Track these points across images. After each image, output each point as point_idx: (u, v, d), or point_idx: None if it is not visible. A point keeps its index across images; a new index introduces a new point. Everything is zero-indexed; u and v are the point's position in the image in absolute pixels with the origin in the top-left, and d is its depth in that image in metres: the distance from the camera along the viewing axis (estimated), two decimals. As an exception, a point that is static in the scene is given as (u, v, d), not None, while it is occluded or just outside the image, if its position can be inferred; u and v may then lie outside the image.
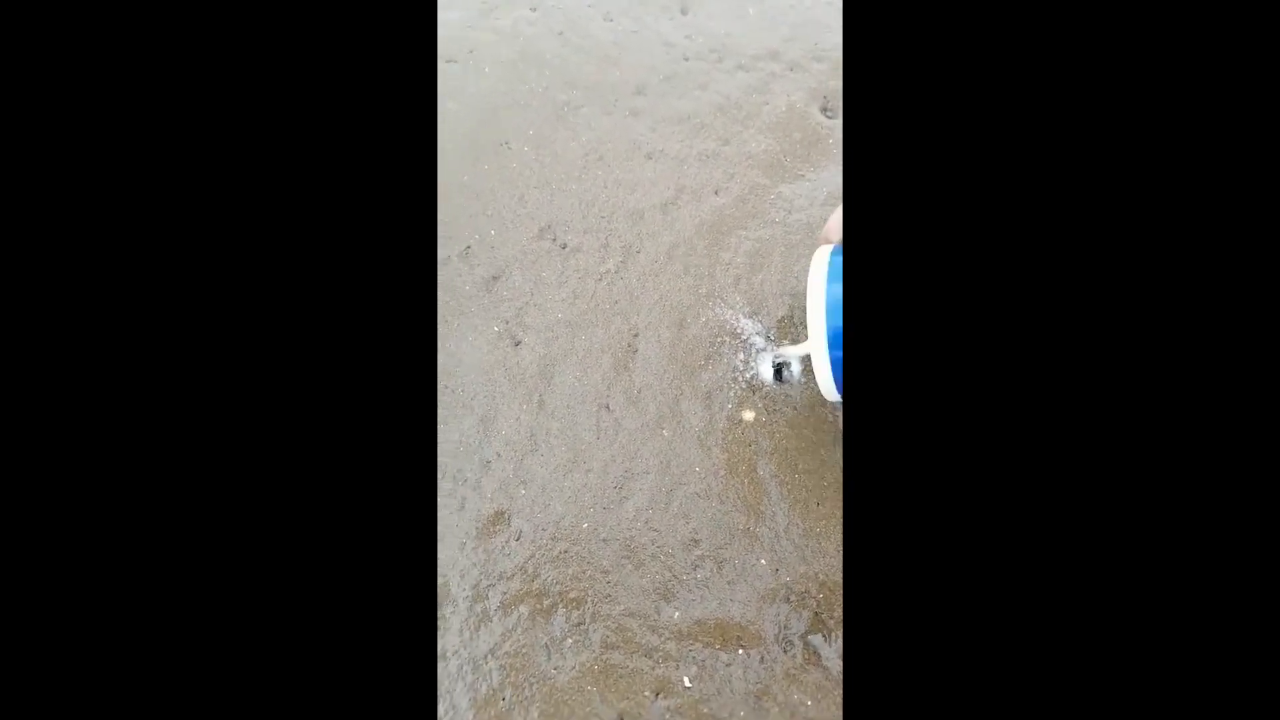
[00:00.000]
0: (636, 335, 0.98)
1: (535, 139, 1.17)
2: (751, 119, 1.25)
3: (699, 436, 0.92)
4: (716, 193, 1.14)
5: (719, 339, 0.99)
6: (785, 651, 0.81)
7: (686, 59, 1.32)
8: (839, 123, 1.28)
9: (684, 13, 1.40)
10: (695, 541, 0.86)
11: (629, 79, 1.23)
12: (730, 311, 1.02)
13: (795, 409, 0.95)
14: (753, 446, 0.90)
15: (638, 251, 1.04)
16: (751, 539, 0.87)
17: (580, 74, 1.24)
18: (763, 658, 0.81)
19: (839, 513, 0.92)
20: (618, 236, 1.06)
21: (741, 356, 0.98)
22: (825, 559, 0.84)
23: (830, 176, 1.21)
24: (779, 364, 0.93)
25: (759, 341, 0.98)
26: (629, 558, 0.85)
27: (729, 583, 0.84)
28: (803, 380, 0.96)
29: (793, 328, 1.00)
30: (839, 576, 0.86)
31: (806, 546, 0.86)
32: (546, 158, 1.15)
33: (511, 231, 1.08)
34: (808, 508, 0.87)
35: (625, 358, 0.96)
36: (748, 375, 0.97)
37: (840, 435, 0.92)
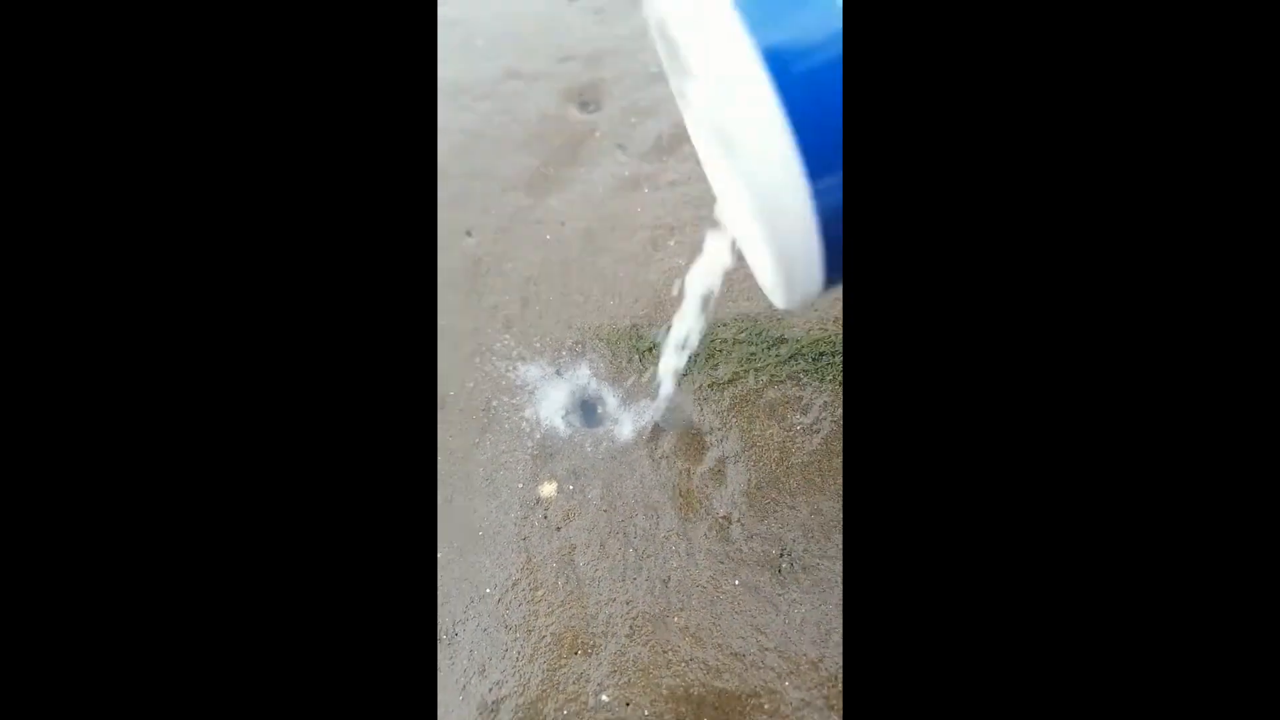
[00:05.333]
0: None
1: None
2: (501, 143, 1.10)
3: (481, 537, 0.72)
4: (469, 233, 0.96)
5: (493, 403, 0.82)
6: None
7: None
8: (602, 114, 1.10)
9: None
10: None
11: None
12: (503, 363, 0.86)
13: (610, 458, 0.73)
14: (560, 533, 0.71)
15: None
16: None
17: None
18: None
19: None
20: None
21: (528, 414, 0.81)
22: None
23: (604, 170, 1.02)
24: (585, 400, 0.78)
25: (545, 386, 0.82)
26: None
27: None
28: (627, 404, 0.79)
29: (581, 355, 0.84)
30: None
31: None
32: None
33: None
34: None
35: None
36: (537, 436, 0.80)
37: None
